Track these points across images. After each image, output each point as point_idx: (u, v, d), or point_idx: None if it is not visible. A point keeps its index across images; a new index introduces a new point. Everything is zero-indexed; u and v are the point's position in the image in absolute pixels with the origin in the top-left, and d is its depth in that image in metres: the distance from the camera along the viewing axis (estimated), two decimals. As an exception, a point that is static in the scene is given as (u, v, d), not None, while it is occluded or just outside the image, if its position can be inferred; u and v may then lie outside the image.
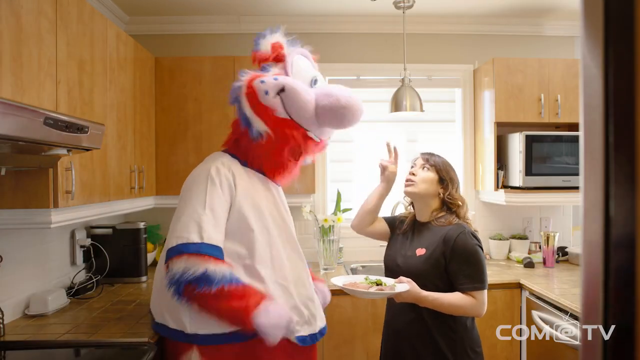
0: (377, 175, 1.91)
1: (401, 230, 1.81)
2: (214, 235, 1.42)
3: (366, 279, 1.71)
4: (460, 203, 1.68)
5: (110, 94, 2.06)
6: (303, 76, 1.60)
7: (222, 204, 1.47)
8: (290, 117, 1.54)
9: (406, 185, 1.73)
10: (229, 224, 1.49)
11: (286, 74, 1.57)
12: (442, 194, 1.69)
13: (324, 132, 1.65)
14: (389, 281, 1.65)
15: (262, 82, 1.51)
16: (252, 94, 1.50)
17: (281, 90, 1.51)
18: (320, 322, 1.62)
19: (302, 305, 1.55)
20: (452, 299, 1.56)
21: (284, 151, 1.56)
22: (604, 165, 0.44)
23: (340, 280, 1.73)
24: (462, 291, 1.57)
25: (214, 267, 1.35)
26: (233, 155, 1.61)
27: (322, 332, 1.61)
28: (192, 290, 1.34)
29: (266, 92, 1.49)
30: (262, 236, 1.52)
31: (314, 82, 1.62)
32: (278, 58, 1.59)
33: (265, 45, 1.59)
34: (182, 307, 1.45)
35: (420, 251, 1.65)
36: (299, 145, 1.57)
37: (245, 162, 1.60)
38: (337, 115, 1.55)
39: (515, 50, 3.15)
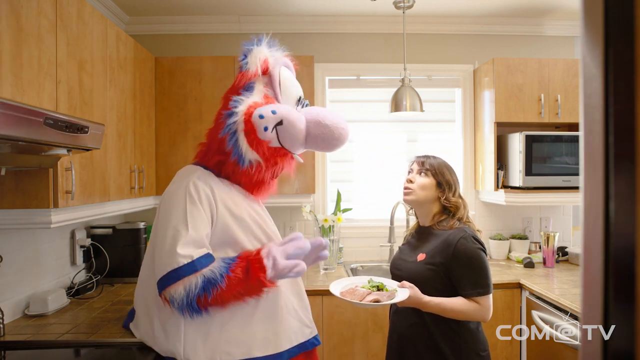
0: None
1: (407, 239, 1.80)
2: (199, 246, 1.37)
3: (369, 281, 1.67)
4: (458, 206, 1.65)
5: (110, 94, 2.07)
6: (291, 95, 1.57)
7: (204, 221, 1.41)
8: (281, 145, 1.51)
9: (404, 194, 1.71)
10: (214, 238, 1.44)
11: (274, 91, 1.53)
12: (440, 198, 1.67)
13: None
14: (391, 284, 1.62)
15: (261, 117, 1.43)
16: (250, 130, 1.43)
17: (278, 124, 1.46)
18: (313, 324, 1.61)
19: (300, 309, 1.54)
20: (455, 305, 1.53)
21: (268, 175, 1.54)
22: (604, 165, 0.44)
23: (340, 285, 1.67)
24: (466, 297, 1.55)
25: (206, 269, 1.33)
26: (206, 168, 1.53)
27: (317, 338, 1.59)
28: (206, 300, 1.32)
29: (265, 129, 1.43)
30: (249, 247, 1.47)
31: (299, 100, 1.59)
32: (264, 72, 1.53)
33: (255, 65, 1.50)
34: (175, 332, 1.39)
35: (421, 256, 1.63)
36: (283, 168, 1.57)
37: (220, 175, 1.53)
38: (328, 145, 1.55)
39: (515, 50, 3.16)
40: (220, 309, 1.38)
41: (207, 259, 1.37)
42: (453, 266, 1.56)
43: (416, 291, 1.54)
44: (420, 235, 1.73)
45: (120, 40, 2.18)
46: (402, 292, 1.54)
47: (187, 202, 1.40)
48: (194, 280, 1.31)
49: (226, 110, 1.47)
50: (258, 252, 1.39)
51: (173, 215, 1.40)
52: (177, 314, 1.36)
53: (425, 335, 1.59)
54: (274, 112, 1.45)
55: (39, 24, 1.51)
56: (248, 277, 1.35)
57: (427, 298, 1.54)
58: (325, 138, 1.52)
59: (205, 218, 1.41)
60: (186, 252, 1.34)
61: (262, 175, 1.51)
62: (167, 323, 1.42)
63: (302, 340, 1.51)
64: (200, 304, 1.33)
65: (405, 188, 1.71)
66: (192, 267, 1.32)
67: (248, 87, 1.52)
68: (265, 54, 1.53)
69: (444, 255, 1.57)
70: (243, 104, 1.46)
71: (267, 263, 1.36)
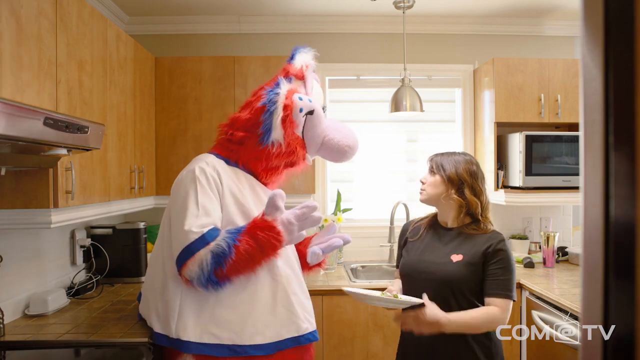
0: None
1: (418, 237, 1.74)
2: (207, 220, 1.45)
3: (383, 294, 1.57)
4: (462, 205, 1.62)
5: (110, 94, 2.07)
6: (318, 101, 1.70)
7: (213, 202, 1.49)
8: (302, 137, 1.63)
9: (420, 194, 1.75)
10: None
11: (306, 94, 1.66)
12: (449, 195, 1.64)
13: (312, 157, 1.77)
14: (405, 298, 1.53)
15: (301, 99, 1.58)
16: (289, 106, 1.56)
17: (309, 113, 1.61)
18: (313, 320, 1.62)
19: (297, 304, 1.54)
20: (476, 315, 1.49)
21: (283, 161, 1.64)
22: (604, 165, 0.44)
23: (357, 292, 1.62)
24: (492, 296, 1.52)
25: (214, 244, 1.40)
26: (219, 156, 1.61)
27: (314, 334, 1.59)
28: (222, 272, 1.39)
29: (301, 110, 1.58)
30: None
31: (322, 110, 1.73)
32: (300, 75, 1.67)
33: (300, 62, 1.68)
34: (171, 311, 1.47)
35: (457, 257, 1.59)
36: (297, 162, 1.67)
37: (235, 163, 1.62)
38: (339, 152, 1.69)
39: (515, 50, 3.15)
40: (245, 277, 1.46)
41: (215, 231, 1.44)
42: (490, 266, 1.54)
43: (435, 308, 1.46)
44: (444, 236, 1.67)
45: (120, 40, 2.17)
46: (425, 298, 1.47)
47: (197, 184, 1.49)
48: (205, 258, 1.38)
49: (269, 87, 1.62)
50: (263, 218, 1.46)
51: (183, 198, 1.48)
52: (202, 290, 1.43)
53: (460, 344, 1.54)
54: (310, 100, 1.62)
55: (39, 24, 1.51)
56: (258, 242, 1.42)
57: (444, 319, 1.44)
58: (339, 144, 1.68)
59: (214, 197, 1.50)
60: (196, 227, 1.41)
61: (277, 160, 1.62)
62: (166, 301, 1.50)
63: (295, 334, 1.52)
64: (218, 276, 1.40)
65: (420, 188, 1.74)
66: (203, 240, 1.40)
67: (289, 79, 1.67)
68: (308, 62, 1.72)
69: (485, 256, 1.56)
70: (287, 86, 1.62)
71: (281, 228, 1.45)
